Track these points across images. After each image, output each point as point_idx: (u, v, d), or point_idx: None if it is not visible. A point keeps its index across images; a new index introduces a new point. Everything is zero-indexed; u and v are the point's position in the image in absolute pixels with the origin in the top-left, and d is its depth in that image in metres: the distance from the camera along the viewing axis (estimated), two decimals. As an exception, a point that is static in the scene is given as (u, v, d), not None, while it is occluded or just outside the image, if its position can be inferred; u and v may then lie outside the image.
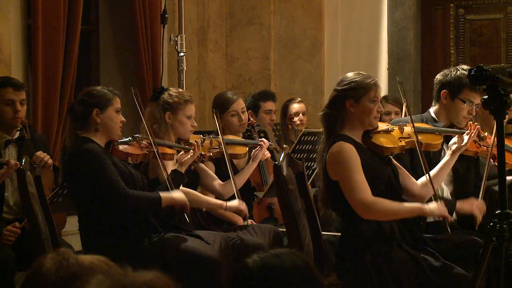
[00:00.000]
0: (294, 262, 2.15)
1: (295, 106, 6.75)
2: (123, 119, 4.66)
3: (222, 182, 5.26)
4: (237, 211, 5.13)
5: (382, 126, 4.39)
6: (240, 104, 5.72)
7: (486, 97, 3.38)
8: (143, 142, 4.78)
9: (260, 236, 5.09)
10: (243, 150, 5.36)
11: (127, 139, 4.75)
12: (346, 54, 7.85)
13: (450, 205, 4.52)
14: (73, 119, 4.73)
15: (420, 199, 4.34)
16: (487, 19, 7.73)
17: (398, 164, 4.39)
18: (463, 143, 4.49)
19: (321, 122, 4.22)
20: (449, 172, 4.73)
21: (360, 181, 4.04)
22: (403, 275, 4.04)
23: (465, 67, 4.76)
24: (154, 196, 4.57)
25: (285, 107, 6.80)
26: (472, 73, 3.37)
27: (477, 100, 4.78)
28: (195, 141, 4.93)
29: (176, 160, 4.87)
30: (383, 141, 4.31)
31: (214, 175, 5.29)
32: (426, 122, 4.79)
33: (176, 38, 6.34)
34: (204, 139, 5.22)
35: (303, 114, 6.74)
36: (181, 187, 4.86)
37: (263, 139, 5.50)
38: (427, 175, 4.32)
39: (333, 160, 4.11)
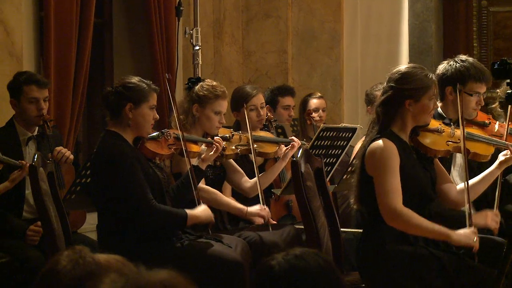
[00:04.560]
0: (318, 263, 2.14)
1: (315, 102, 6.69)
2: (156, 116, 4.54)
3: (249, 180, 5.19)
4: (258, 216, 5.06)
5: (434, 124, 4.27)
6: (259, 99, 5.69)
7: (510, 91, 3.33)
8: (171, 137, 4.68)
9: (277, 234, 5.01)
10: (273, 149, 5.27)
11: (155, 134, 4.64)
12: (366, 47, 7.80)
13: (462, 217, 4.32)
14: (105, 107, 4.61)
15: (455, 205, 4.22)
16: (511, 11, 7.66)
17: (441, 166, 4.28)
18: None
19: (377, 117, 4.08)
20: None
21: (393, 186, 3.94)
22: (426, 274, 3.97)
23: (463, 57, 4.71)
24: (180, 214, 4.47)
25: (304, 102, 6.73)
26: (496, 66, 3.32)
27: (483, 89, 4.74)
28: (217, 138, 4.84)
29: (198, 156, 4.79)
30: (429, 141, 4.20)
31: (242, 172, 5.23)
32: (434, 119, 4.68)
33: (191, 31, 6.31)
34: (233, 134, 5.15)
35: (322, 110, 6.68)
36: (203, 186, 4.83)
37: (294, 138, 5.41)
38: (465, 183, 4.15)
39: (372, 155, 4.00)
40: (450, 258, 4.02)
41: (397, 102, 4.03)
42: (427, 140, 4.19)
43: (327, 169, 5.16)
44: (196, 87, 5.05)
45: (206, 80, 5.16)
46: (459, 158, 4.80)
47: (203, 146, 4.80)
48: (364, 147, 4.06)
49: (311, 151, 4.75)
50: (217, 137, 4.87)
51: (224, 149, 4.88)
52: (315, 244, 3.93)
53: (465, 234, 3.99)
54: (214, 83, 5.15)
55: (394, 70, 4.11)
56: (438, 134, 4.27)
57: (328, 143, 5.36)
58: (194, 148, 4.81)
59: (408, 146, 4.11)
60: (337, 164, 5.39)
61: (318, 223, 4.00)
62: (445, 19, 7.79)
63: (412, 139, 4.16)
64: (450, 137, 4.32)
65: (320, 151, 5.28)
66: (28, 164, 4.72)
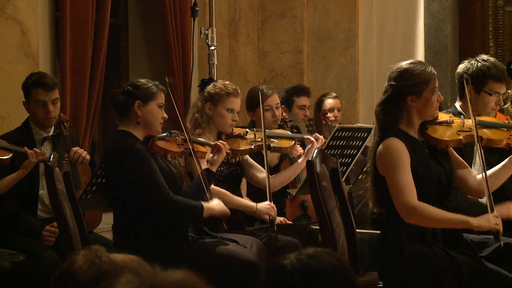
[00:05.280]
0: (331, 263, 2.12)
1: (330, 102, 6.66)
2: (165, 115, 4.61)
3: (269, 175, 5.16)
4: (268, 215, 5.04)
5: (443, 116, 4.23)
6: (275, 100, 5.72)
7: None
8: (179, 138, 4.73)
9: (292, 235, 5.04)
10: (289, 143, 5.28)
11: (164, 134, 4.71)
12: (381, 48, 7.78)
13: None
14: (114, 108, 4.68)
15: (475, 193, 4.18)
16: (527, 11, 7.65)
17: (458, 156, 4.23)
18: None
19: (376, 117, 4.04)
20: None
21: (406, 183, 3.90)
22: (441, 275, 3.94)
23: (484, 57, 4.70)
24: (197, 205, 4.50)
25: (320, 102, 6.71)
26: (511, 66, 3.30)
27: (503, 89, 4.73)
28: (219, 142, 4.84)
29: (207, 160, 4.81)
30: (438, 133, 4.15)
31: (260, 167, 5.24)
32: (447, 113, 4.65)
33: (206, 32, 6.28)
34: (247, 132, 5.16)
35: (338, 110, 6.65)
36: (212, 187, 4.81)
37: (317, 134, 5.42)
38: (483, 174, 4.07)
39: (382, 156, 3.98)
40: (466, 260, 3.99)
41: (398, 99, 3.99)
42: (436, 132, 4.15)
43: (342, 169, 5.13)
44: (209, 87, 5.12)
45: (219, 80, 5.24)
46: (478, 157, 4.76)
47: (209, 153, 4.81)
48: (374, 148, 4.04)
49: (326, 151, 4.74)
50: (220, 141, 4.87)
51: (228, 154, 4.86)
52: (331, 244, 3.91)
53: (484, 218, 3.93)
54: (226, 82, 5.23)
55: (394, 68, 4.07)
56: (448, 125, 4.22)
57: (344, 143, 5.34)
58: (201, 148, 4.85)
59: (418, 142, 4.07)
60: (352, 164, 5.36)
61: (333, 223, 3.99)
62: (461, 19, 7.76)
63: (421, 133, 4.12)
64: (460, 127, 4.27)
65: (336, 151, 5.26)
66: (30, 151, 4.75)
